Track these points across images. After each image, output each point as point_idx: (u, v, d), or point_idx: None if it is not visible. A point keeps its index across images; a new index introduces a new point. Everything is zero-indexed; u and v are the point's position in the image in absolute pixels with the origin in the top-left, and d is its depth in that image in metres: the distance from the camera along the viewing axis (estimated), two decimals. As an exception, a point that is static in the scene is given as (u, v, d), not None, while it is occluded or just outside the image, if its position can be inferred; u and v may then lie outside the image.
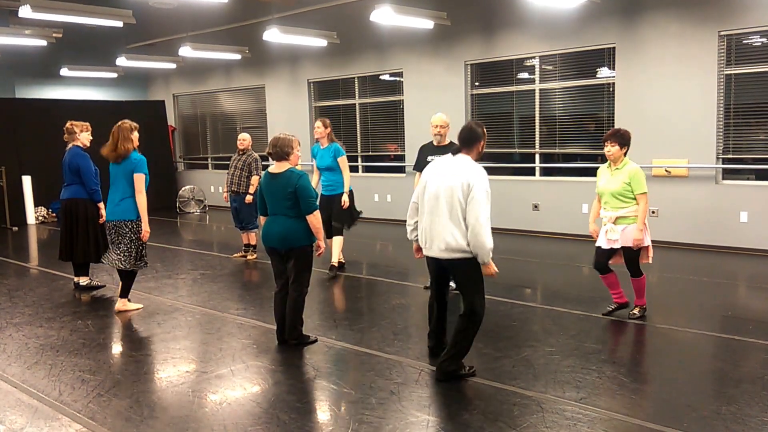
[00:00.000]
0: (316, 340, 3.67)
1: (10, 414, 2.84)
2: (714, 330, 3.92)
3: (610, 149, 3.87)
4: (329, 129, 5.44)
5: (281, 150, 3.49)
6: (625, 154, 3.89)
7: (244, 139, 6.19)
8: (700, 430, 2.56)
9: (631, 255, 3.89)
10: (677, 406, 2.79)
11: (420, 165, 4.62)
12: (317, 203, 3.52)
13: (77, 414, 2.82)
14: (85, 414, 2.82)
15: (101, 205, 4.94)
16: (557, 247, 6.70)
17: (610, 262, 4.01)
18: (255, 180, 5.99)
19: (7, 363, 3.48)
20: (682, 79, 6.23)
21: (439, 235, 2.96)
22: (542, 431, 2.57)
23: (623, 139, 3.87)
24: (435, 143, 4.67)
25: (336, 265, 5.54)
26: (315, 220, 3.47)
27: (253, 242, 6.28)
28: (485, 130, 3.12)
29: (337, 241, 5.53)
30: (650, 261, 3.99)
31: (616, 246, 3.89)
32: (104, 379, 3.23)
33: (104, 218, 4.93)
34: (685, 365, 3.31)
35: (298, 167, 3.64)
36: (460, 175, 2.93)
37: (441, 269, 3.13)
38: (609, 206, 3.90)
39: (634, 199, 3.85)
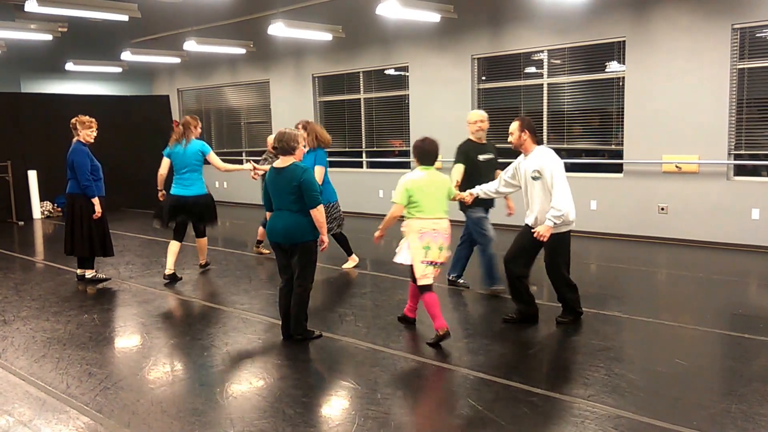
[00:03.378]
0: (321, 335, 3.67)
1: (18, 406, 2.86)
2: (724, 328, 3.87)
3: None
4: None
5: (287, 145, 3.48)
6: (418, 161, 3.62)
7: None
8: (710, 428, 2.53)
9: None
10: (687, 404, 2.77)
11: (471, 161, 4.39)
12: (321, 198, 3.50)
13: (85, 407, 2.83)
14: (92, 407, 2.82)
15: (95, 200, 4.91)
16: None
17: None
18: None
19: (15, 356, 3.50)
20: (693, 74, 6.15)
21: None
22: (549, 428, 2.55)
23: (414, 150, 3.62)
24: (476, 139, 4.43)
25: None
26: (319, 214, 3.46)
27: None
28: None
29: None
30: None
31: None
32: (111, 372, 3.24)
33: (99, 213, 4.95)
34: (694, 363, 3.28)
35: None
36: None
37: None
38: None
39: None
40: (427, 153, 3.60)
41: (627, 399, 2.81)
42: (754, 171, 6.22)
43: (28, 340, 3.77)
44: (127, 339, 3.89)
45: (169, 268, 5.11)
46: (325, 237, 3.55)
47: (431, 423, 2.63)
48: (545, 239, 3.65)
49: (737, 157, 6.14)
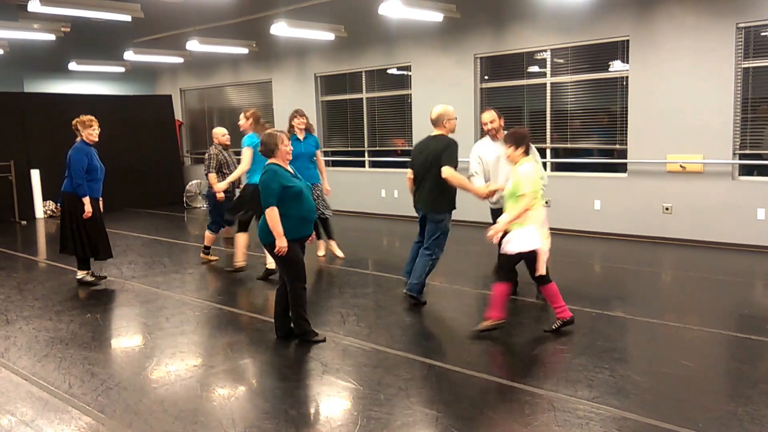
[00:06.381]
0: (324, 340, 3.62)
1: (21, 406, 2.85)
2: (730, 329, 3.84)
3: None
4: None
5: (266, 148, 3.53)
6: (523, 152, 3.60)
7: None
8: (716, 430, 2.50)
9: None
10: (692, 406, 2.74)
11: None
12: (273, 200, 3.40)
13: (87, 407, 2.82)
14: (94, 407, 2.82)
15: (85, 200, 4.81)
16: (568, 244, 6.63)
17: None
18: (212, 178, 5.60)
19: (18, 356, 3.50)
20: (698, 73, 6.11)
21: None
22: (554, 430, 2.53)
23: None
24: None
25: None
26: (268, 216, 3.43)
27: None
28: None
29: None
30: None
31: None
32: (113, 372, 3.24)
33: (88, 213, 4.84)
34: (700, 365, 3.25)
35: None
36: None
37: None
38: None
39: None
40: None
41: (632, 400, 2.79)
42: (760, 171, 6.18)
43: (30, 340, 3.77)
44: (129, 339, 3.89)
45: (241, 261, 5.34)
46: (278, 241, 3.42)
47: (433, 424, 2.62)
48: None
49: (742, 156, 6.09)
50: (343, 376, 3.13)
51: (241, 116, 5.25)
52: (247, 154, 5.04)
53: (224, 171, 5.68)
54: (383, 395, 2.87)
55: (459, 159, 4.14)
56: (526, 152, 3.62)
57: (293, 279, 3.53)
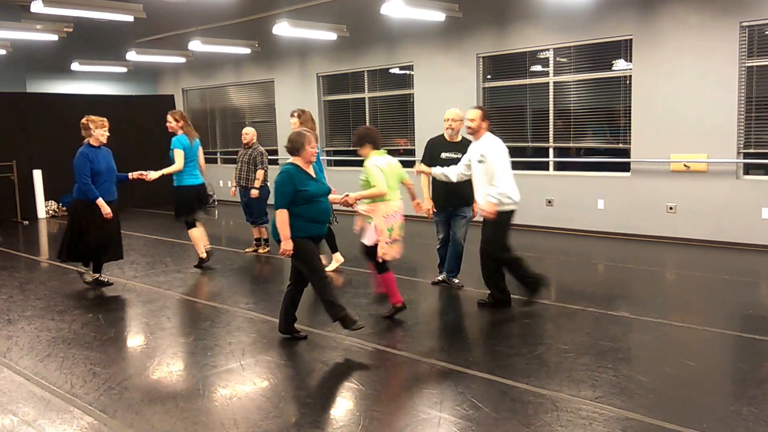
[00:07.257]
0: (362, 326, 3.53)
1: (22, 406, 2.85)
2: (735, 329, 3.82)
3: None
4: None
5: (292, 146, 3.52)
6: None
7: (247, 133, 6.18)
8: (720, 431, 2.48)
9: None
10: (696, 407, 2.73)
11: (432, 160, 4.55)
12: (284, 203, 3.39)
13: (89, 407, 2.82)
14: (96, 407, 2.82)
15: (99, 201, 4.69)
16: (571, 244, 6.61)
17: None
18: (260, 174, 5.99)
19: (20, 356, 3.50)
20: (701, 72, 6.08)
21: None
22: (557, 430, 2.51)
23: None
24: (447, 137, 4.60)
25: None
26: (277, 218, 3.42)
27: (264, 236, 6.29)
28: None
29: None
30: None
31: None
32: (115, 372, 3.24)
33: (108, 214, 4.77)
34: (704, 365, 3.23)
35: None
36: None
37: None
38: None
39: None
40: (377, 137, 3.97)
41: (635, 401, 2.77)
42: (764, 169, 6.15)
43: (32, 340, 3.77)
44: (131, 339, 3.89)
45: (202, 252, 5.60)
46: (283, 243, 3.41)
47: (436, 424, 2.61)
48: (491, 216, 3.93)
49: (746, 155, 6.06)
50: (345, 376, 3.13)
51: (170, 118, 5.48)
52: (179, 155, 5.31)
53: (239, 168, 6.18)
54: (385, 395, 2.86)
55: (446, 156, 4.51)
56: (375, 147, 3.92)
57: (310, 272, 3.50)
